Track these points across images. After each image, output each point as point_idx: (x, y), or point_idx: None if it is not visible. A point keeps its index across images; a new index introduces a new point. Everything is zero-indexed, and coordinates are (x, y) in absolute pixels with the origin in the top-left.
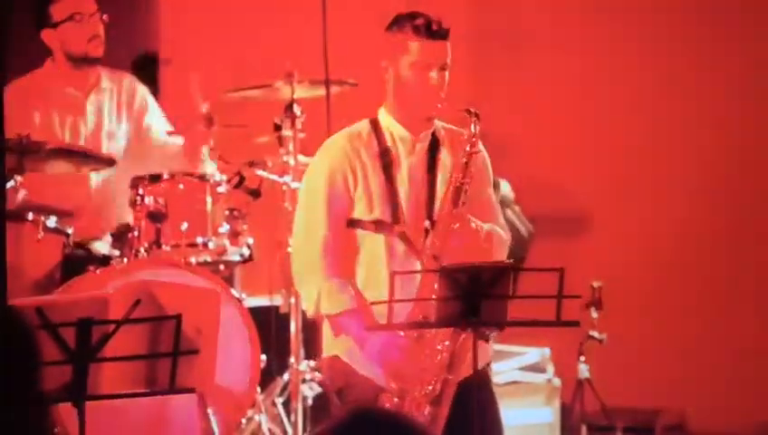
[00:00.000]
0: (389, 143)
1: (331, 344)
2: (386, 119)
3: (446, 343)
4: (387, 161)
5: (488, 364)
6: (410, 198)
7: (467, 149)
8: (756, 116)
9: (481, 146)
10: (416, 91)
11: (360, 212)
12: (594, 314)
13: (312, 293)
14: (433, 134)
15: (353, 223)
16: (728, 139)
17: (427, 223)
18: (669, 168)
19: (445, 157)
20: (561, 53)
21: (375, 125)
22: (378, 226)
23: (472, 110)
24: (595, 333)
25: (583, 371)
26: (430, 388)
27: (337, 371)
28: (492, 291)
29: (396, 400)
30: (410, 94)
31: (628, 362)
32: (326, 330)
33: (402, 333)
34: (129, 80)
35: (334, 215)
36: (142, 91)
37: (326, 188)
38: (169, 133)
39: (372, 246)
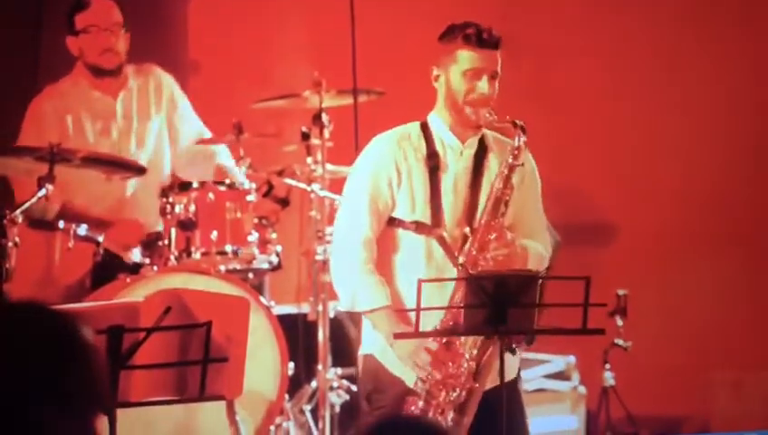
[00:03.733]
0: (438, 148)
1: (368, 342)
2: (436, 123)
3: (474, 351)
4: (433, 165)
5: (517, 377)
6: (453, 204)
7: (510, 160)
8: None
9: (530, 157)
10: (465, 99)
11: (401, 212)
12: (619, 322)
13: (349, 288)
14: (481, 141)
15: (394, 222)
16: (756, 143)
17: (466, 229)
18: (693, 173)
19: (492, 165)
20: (586, 60)
21: (425, 129)
22: (417, 227)
23: (518, 122)
24: (620, 341)
25: (608, 378)
26: (455, 395)
27: (369, 370)
28: (518, 299)
29: (421, 403)
30: (458, 102)
31: (653, 369)
32: (365, 327)
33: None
34: (156, 73)
35: (376, 214)
36: (169, 85)
37: (370, 187)
38: (200, 141)
39: (411, 248)
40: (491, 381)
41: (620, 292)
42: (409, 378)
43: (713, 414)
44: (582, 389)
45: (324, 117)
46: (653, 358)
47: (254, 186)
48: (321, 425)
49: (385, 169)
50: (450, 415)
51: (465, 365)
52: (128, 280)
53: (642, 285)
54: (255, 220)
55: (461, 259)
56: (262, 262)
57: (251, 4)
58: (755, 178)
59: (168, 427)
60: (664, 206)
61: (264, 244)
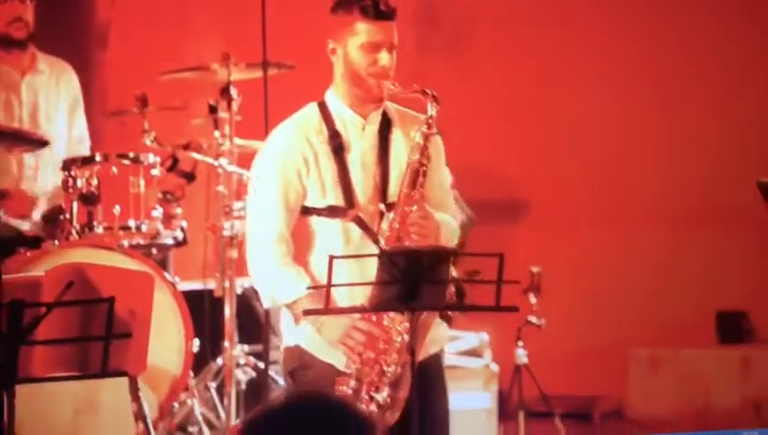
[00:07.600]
0: (339, 127)
1: (291, 334)
2: (334, 102)
3: (405, 324)
4: (337, 146)
5: (442, 350)
6: (363, 182)
7: (424, 129)
8: (699, 115)
9: (434, 129)
10: (366, 72)
11: (313, 199)
12: (533, 300)
13: (267, 285)
14: (384, 115)
15: (307, 210)
16: (671, 125)
17: (381, 206)
18: (609, 150)
19: (397, 138)
20: (505, 39)
21: (323, 109)
22: (331, 211)
23: (428, 91)
24: (534, 319)
25: (521, 356)
26: (390, 370)
27: (294, 356)
28: (431, 275)
29: (353, 383)
30: (360, 76)
31: (566, 348)
32: (285, 320)
33: (358, 316)
34: (68, 71)
35: (287, 205)
36: (76, 87)
37: (278, 179)
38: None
39: (327, 233)
40: (421, 354)
41: (534, 269)
42: (339, 361)
43: (627, 392)
44: (495, 366)
45: (233, 90)
46: (567, 336)
47: (158, 160)
48: (226, 402)
49: (291, 160)
50: (386, 391)
51: (399, 339)
52: (28, 254)
53: (556, 263)
54: (160, 195)
55: (383, 236)
56: (166, 237)
57: None
58: (670, 153)
59: (69, 403)
60: (579, 182)
61: (168, 219)
